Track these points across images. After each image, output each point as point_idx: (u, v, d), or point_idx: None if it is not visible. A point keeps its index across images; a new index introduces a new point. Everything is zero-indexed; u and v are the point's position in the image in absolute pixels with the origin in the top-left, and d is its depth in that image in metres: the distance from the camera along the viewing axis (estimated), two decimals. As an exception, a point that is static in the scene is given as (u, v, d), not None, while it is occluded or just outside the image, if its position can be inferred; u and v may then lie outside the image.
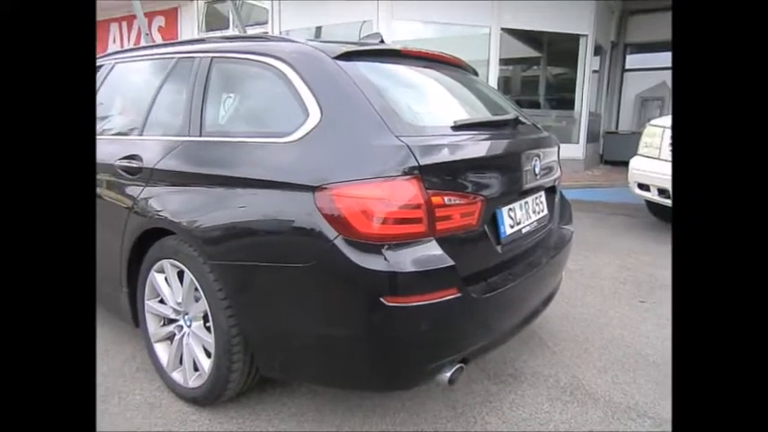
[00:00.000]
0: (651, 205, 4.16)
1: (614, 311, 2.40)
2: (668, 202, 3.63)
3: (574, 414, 1.59)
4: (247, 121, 1.62)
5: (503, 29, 6.48)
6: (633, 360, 1.93)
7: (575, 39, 6.94)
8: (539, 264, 1.66)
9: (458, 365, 1.34)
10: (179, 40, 1.82)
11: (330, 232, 1.22)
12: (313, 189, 1.24)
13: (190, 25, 8.24)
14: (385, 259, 1.20)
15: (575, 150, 7.01)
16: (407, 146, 1.24)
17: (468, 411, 1.61)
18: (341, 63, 1.43)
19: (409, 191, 1.22)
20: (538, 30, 6.87)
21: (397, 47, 1.65)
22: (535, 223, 1.71)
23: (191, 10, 8.21)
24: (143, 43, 8.32)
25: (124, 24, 8.96)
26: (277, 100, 1.50)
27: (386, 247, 1.21)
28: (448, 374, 1.32)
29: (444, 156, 1.32)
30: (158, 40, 8.32)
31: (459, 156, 1.35)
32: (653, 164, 3.76)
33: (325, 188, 1.23)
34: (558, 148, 1.98)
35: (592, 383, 1.77)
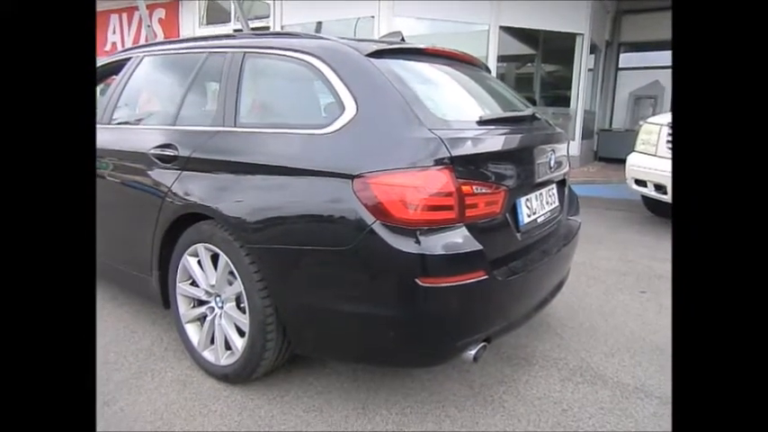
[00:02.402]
0: (647, 201, 4.29)
1: (617, 301, 2.52)
2: (665, 197, 3.76)
3: (585, 393, 1.70)
4: (281, 113, 1.69)
5: (501, 27, 6.59)
6: (638, 345, 2.05)
7: (570, 37, 7.06)
8: (551, 252, 1.76)
9: (482, 344, 1.43)
10: (209, 35, 1.87)
11: (368, 218, 1.30)
12: (352, 177, 1.33)
13: (191, 18, 8.22)
14: (420, 243, 1.28)
15: (571, 147, 7.10)
16: (440, 138, 1.33)
17: (485, 390, 1.71)
18: (373, 60, 1.50)
19: (442, 180, 1.31)
20: (535, 28, 6.98)
21: (422, 45, 1.73)
22: (548, 214, 1.81)
23: (191, 3, 8.18)
24: (144, 35, 8.29)
25: (124, 16, 8.89)
26: (311, 94, 1.57)
27: (420, 231, 1.30)
28: (473, 352, 1.41)
29: (472, 148, 1.40)
30: (159, 32, 8.28)
31: (485, 148, 1.45)
32: (650, 160, 3.89)
33: (363, 176, 1.32)
34: (568, 143, 2.08)
35: (600, 366, 1.88)
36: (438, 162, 1.31)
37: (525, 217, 1.62)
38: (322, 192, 1.37)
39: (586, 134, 7.89)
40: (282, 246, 1.44)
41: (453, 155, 1.32)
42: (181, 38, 2.47)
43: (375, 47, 1.55)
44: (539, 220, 1.72)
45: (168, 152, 1.74)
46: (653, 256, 3.30)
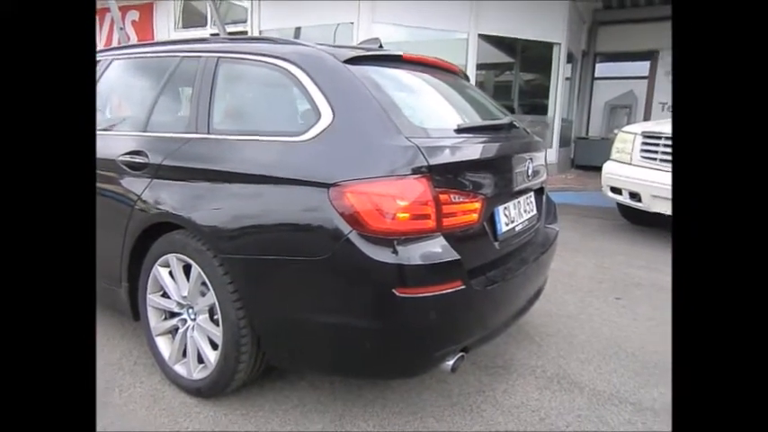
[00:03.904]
0: (622, 208, 4.39)
1: (593, 308, 2.55)
2: (639, 205, 3.85)
3: (562, 401, 1.70)
4: (256, 119, 1.66)
5: (480, 35, 6.68)
6: (613, 352, 2.07)
7: (548, 46, 7.21)
8: (529, 260, 1.77)
9: (459, 354, 1.42)
10: (182, 38, 1.84)
11: (344, 227, 1.28)
12: (327, 186, 1.30)
13: (165, 21, 8.06)
14: (396, 253, 1.27)
15: (548, 155, 7.24)
16: (417, 146, 1.32)
17: (463, 400, 1.69)
18: (350, 67, 1.49)
19: (419, 189, 1.29)
20: (513, 36, 7.10)
21: (399, 52, 1.72)
22: (526, 222, 1.82)
23: (167, 5, 8.03)
24: (116, 37, 8.08)
25: (96, 18, 8.66)
26: (287, 100, 1.55)
27: (397, 241, 1.28)
28: (451, 362, 1.40)
29: (450, 156, 1.40)
30: (132, 35, 8.10)
31: (463, 157, 1.44)
32: (625, 168, 3.98)
33: (340, 185, 1.29)
34: (545, 151, 2.11)
35: (576, 374, 1.89)
36: (415, 171, 1.30)
37: (503, 225, 1.63)
38: (297, 200, 1.35)
39: (564, 142, 8.05)
40: (257, 256, 1.40)
41: (431, 163, 1.31)
42: (153, 41, 2.41)
43: (352, 53, 1.54)
44: (516, 229, 1.72)
45: (138, 159, 1.68)
46: (628, 263, 3.36)
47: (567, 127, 8.37)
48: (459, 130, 1.54)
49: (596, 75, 9.53)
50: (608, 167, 4.16)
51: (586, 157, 8.48)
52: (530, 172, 1.76)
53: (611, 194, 4.13)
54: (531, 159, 1.78)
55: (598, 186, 4.41)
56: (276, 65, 1.54)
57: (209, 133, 1.60)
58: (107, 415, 1.54)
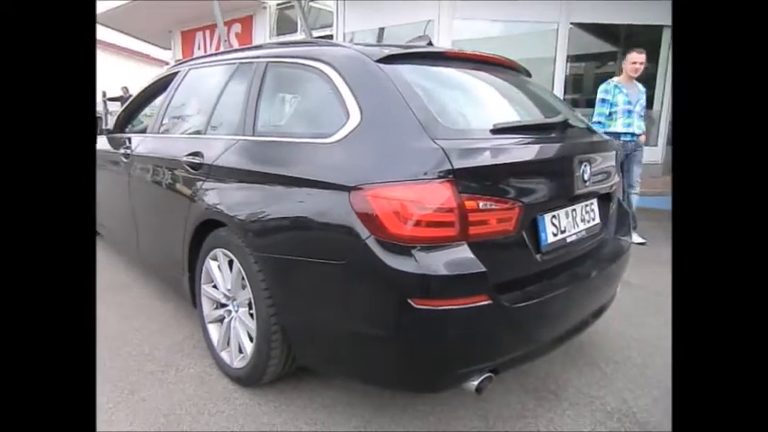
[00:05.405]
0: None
1: (681, 334, 2.18)
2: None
3: (617, 440, 1.48)
4: (294, 121, 1.71)
5: (573, 23, 6.10)
6: (695, 389, 1.74)
7: (657, 30, 6.34)
8: (587, 275, 1.57)
9: (487, 374, 1.31)
10: (242, 46, 2.01)
11: (363, 232, 1.25)
12: (349, 189, 1.28)
13: (262, 30, 8.79)
14: (415, 261, 1.20)
15: (652, 153, 6.38)
16: (443, 149, 1.23)
17: (499, 424, 1.56)
18: (383, 66, 1.45)
19: (442, 194, 1.21)
20: (613, 22, 6.36)
21: (443, 49, 1.64)
22: (584, 232, 1.61)
23: (264, 16, 8.76)
24: (222, 49, 9.05)
25: (207, 33, 9.83)
26: (322, 102, 1.56)
27: (416, 249, 1.21)
28: (476, 382, 1.29)
29: (481, 159, 1.29)
30: (235, 45, 8.98)
31: (496, 160, 1.32)
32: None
33: (360, 188, 1.27)
34: (617, 152, 1.84)
35: (644, 412, 1.62)
36: (439, 175, 1.22)
37: (550, 236, 1.46)
38: (320, 203, 1.35)
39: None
40: (284, 256, 1.43)
41: (456, 167, 1.22)
42: (220, 50, 2.62)
43: (387, 52, 1.49)
44: (569, 240, 1.53)
45: (196, 160, 1.83)
46: (738, 283, 2.81)
47: (679, 122, 7.29)
48: (498, 131, 1.41)
49: (722, 61, 8.15)
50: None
51: (703, 158, 7.29)
52: (586, 176, 1.55)
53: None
54: (589, 162, 1.57)
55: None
56: (314, 67, 1.57)
57: (253, 135, 1.68)
58: (161, 389, 1.71)
